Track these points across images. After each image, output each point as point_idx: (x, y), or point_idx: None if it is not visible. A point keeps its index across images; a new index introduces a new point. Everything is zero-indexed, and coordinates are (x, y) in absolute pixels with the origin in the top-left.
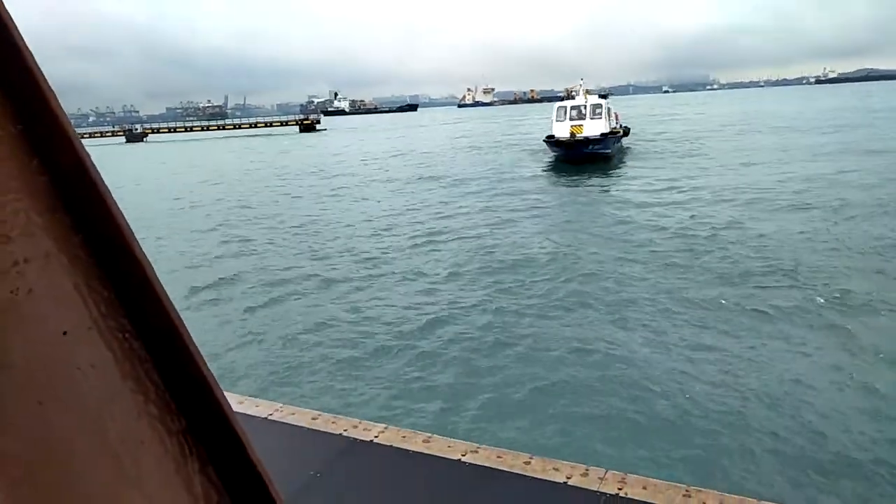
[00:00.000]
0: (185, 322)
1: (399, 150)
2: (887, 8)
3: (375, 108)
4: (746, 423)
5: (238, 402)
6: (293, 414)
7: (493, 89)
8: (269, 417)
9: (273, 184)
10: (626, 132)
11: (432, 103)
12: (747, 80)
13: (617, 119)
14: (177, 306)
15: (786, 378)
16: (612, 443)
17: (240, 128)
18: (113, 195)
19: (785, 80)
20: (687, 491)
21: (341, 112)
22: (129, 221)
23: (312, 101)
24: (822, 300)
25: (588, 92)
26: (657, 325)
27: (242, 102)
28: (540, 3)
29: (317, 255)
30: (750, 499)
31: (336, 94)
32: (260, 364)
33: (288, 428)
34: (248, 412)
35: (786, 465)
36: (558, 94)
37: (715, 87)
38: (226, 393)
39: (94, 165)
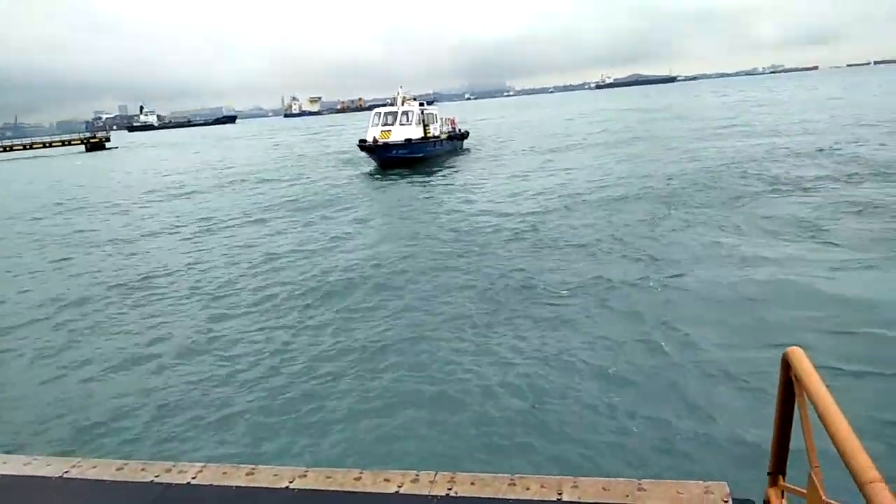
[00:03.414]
0: None
1: (211, 164)
2: (651, 20)
3: (189, 122)
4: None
5: (24, 464)
6: (94, 468)
7: (319, 98)
8: (66, 475)
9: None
10: (465, 135)
11: (239, 115)
12: (539, 87)
13: (452, 124)
14: None
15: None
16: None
17: (11, 150)
18: None
19: (570, 85)
20: (512, 480)
21: (150, 127)
22: None
23: (100, 118)
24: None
25: (414, 99)
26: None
27: (13, 121)
28: (347, 12)
29: (101, 278)
30: (567, 477)
31: (142, 108)
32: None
33: (89, 484)
34: (39, 473)
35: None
36: (387, 102)
37: (511, 93)
38: (7, 455)
39: None
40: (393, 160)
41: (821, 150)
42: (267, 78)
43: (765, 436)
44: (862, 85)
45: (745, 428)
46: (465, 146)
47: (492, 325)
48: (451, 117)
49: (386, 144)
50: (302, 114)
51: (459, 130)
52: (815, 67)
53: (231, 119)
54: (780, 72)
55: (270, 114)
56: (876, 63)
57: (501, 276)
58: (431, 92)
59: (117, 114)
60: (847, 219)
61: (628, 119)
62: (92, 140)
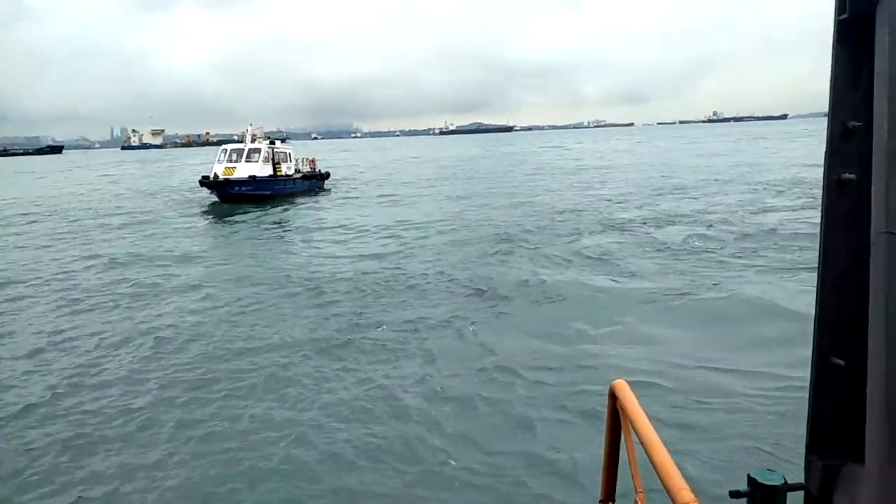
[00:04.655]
0: None
1: (27, 198)
2: (492, 73)
3: (5, 150)
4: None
5: None
6: None
7: (162, 130)
8: None
9: None
10: (325, 176)
11: (54, 144)
12: (385, 129)
13: (311, 164)
14: None
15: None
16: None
17: None
18: None
19: (415, 130)
20: None
21: None
22: None
23: None
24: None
25: (267, 136)
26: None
27: None
28: (185, 41)
29: None
30: None
31: None
32: None
33: None
34: None
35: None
36: (234, 138)
37: (358, 135)
38: None
39: None
40: (234, 196)
41: (631, 196)
42: (92, 107)
43: (597, 464)
44: (669, 139)
45: (579, 457)
46: (325, 186)
47: (325, 367)
48: (311, 157)
49: (227, 181)
50: (143, 146)
51: (319, 171)
52: (632, 124)
53: (57, 149)
54: (603, 126)
55: (97, 145)
56: (681, 122)
57: (336, 317)
58: (276, 129)
59: None
60: (645, 253)
61: (473, 165)
62: None
